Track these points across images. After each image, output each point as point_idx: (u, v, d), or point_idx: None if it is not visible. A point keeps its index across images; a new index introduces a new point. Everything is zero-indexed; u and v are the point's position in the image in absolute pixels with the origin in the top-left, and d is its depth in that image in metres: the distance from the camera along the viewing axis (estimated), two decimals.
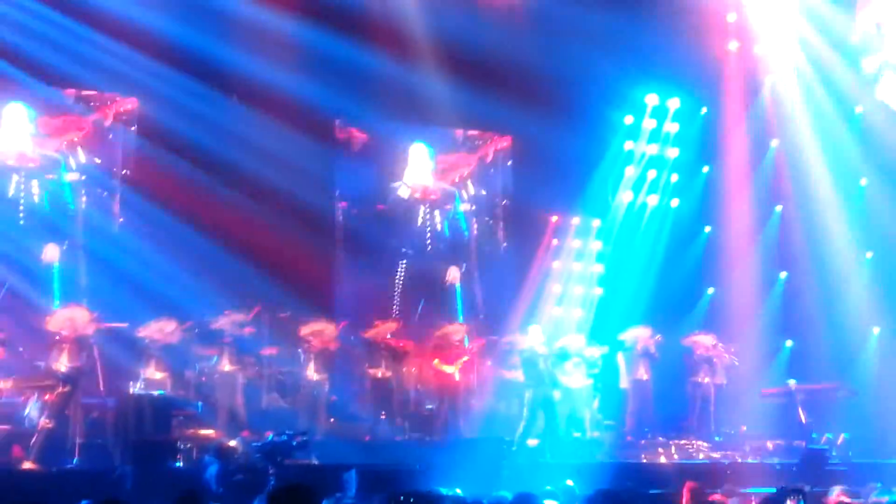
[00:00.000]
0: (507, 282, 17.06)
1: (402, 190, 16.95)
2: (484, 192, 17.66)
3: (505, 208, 17.70)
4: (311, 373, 13.64)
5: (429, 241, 17.03)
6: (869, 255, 17.05)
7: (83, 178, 15.27)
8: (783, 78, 17.74)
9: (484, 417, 14.20)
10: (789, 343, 16.84)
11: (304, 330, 13.86)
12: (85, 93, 15.38)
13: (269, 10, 15.34)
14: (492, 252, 17.50)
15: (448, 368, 14.17)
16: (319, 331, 13.85)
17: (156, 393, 12.62)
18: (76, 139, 15.28)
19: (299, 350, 13.85)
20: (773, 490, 9.30)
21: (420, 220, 17.04)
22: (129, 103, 15.59)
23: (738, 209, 17.30)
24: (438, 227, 17.20)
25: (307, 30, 15.56)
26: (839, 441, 14.45)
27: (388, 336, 14.20)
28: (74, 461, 11.80)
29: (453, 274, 16.61)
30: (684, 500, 9.26)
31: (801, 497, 8.10)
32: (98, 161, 15.44)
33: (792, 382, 15.23)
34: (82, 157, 15.34)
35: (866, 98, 17.73)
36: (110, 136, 15.54)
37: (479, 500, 8.40)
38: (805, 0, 17.43)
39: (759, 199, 17.42)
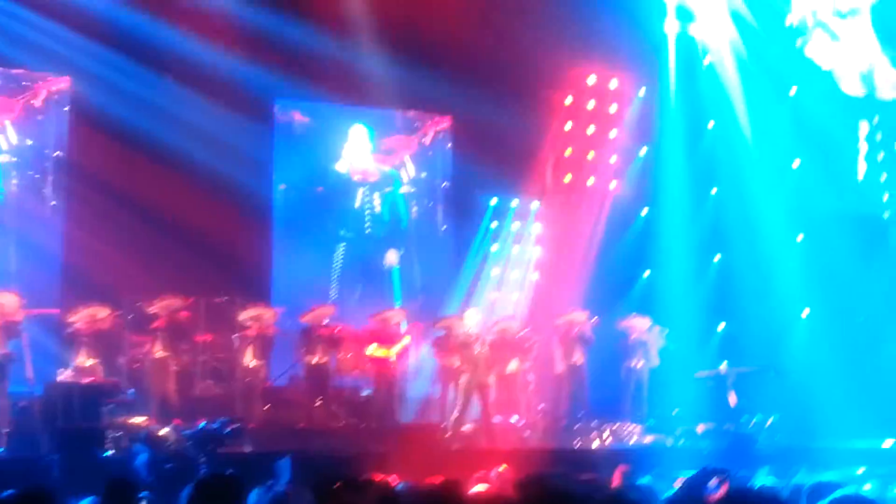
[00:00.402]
0: (446, 265, 17.10)
1: (343, 173, 16.87)
2: (423, 175, 17.64)
3: (444, 190, 17.70)
4: (248, 359, 13.57)
5: (367, 224, 17.00)
6: (800, 237, 17.32)
7: (14, 160, 15.00)
8: (720, 59, 17.89)
9: (420, 403, 14.24)
10: (722, 326, 17.10)
11: (243, 315, 13.76)
12: (14, 71, 15.08)
13: None
14: (431, 235, 17.50)
15: (385, 353, 14.16)
16: (258, 316, 13.75)
17: (85, 380, 12.49)
18: (7, 120, 14.99)
19: (235, 336, 13.74)
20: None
21: (359, 203, 16.98)
22: (62, 82, 15.29)
23: (674, 192, 17.46)
24: (377, 209, 17.16)
25: (244, 8, 15.36)
26: (767, 423, 14.71)
27: (325, 321, 14.14)
28: (1, 449, 11.67)
29: (391, 257, 16.61)
30: (615, 483, 9.39)
31: (724, 477, 8.19)
32: (30, 142, 15.16)
33: (723, 365, 15.47)
34: (13, 137, 15.06)
35: (800, 80, 17.98)
36: (42, 116, 15.25)
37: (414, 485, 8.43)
38: None
39: (694, 182, 17.57)
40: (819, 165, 17.80)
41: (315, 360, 13.77)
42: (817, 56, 18.17)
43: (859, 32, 18.66)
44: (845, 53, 18.49)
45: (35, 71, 15.15)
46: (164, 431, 12.01)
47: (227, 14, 15.36)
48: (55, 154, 15.22)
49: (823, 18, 18.30)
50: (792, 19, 18.19)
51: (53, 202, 15.03)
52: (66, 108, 15.29)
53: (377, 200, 17.08)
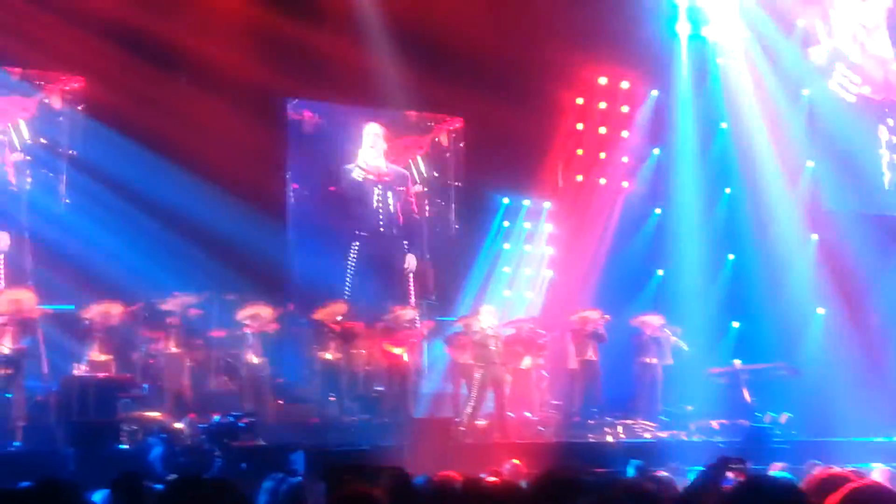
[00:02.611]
0: (459, 264, 17.11)
1: (356, 172, 16.92)
2: (436, 174, 17.67)
3: (457, 190, 17.73)
4: (252, 356, 13.58)
5: (381, 223, 17.02)
6: (814, 237, 17.29)
7: (28, 158, 15.08)
8: (733, 61, 17.91)
9: (433, 398, 14.23)
10: (736, 324, 17.06)
11: (241, 313, 13.78)
12: (29, 71, 15.18)
13: None
14: (444, 234, 17.53)
15: (397, 350, 14.17)
16: (255, 314, 13.75)
17: (100, 375, 12.53)
18: (21, 119, 15.09)
19: (241, 333, 13.77)
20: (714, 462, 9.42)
21: (374, 202, 17.03)
22: (76, 82, 15.38)
23: (687, 192, 17.46)
24: (391, 208, 17.20)
25: (257, 9, 15.44)
26: (782, 420, 14.66)
27: (338, 318, 14.16)
28: (16, 443, 11.71)
29: (410, 262, 16.67)
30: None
31: (741, 467, 8.15)
32: (43, 141, 15.23)
33: (737, 362, 15.43)
34: (28, 136, 15.15)
35: (813, 82, 17.98)
36: (56, 115, 15.33)
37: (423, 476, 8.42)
38: None
39: (708, 182, 17.57)
40: (834, 166, 17.79)
41: (328, 355, 13.77)
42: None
43: (873, 34, 18.66)
44: (857, 54, 18.49)
45: (49, 71, 15.25)
46: (178, 425, 12.06)
47: (240, 15, 15.43)
48: (69, 153, 15.29)
49: (834, 21, 18.27)
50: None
51: (67, 200, 15.09)
52: (80, 108, 15.37)
53: (391, 199, 17.11)
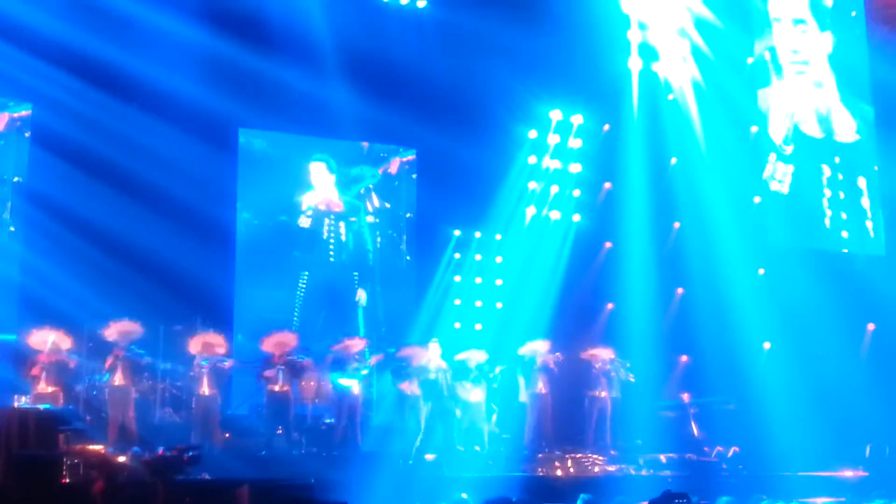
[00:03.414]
0: (409, 295, 17.09)
1: (303, 220, 16.86)
2: (388, 205, 17.69)
3: (409, 221, 17.73)
4: (204, 388, 13.40)
5: (331, 253, 16.96)
6: (761, 271, 17.50)
7: None
8: (682, 95, 18.16)
9: (382, 431, 14.14)
10: (684, 358, 17.18)
11: (191, 343, 13.61)
12: None
13: (171, 15, 15.12)
14: (395, 265, 17.50)
15: (347, 382, 14.06)
16: (205, 344, 13.59)
17: (41, 407, 12.26)
18: None
19: (192, 364, 13.58)
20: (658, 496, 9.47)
21: (325, 232, 16.96)
22: (23, 110, 15.20)
23: (637, 226, 17.60)
24: (343, 238, 17.14)
25: (209, 36, 15.37)
26: (729, 454, 14.76)
27: (287, 349, 14.02)
28: None
29: (362, 297, 16.63)
30: None
31: (685, 502, 8.20)
32: None
33: (685, 396, 15.53)
34: None
35: (760, 118, 18.29)
36: (2, 142, 15.12)
37: None
38: (700, 19, 17.92)
39: (657, 216, 17.74)
40: (780, 202, 18.07)
41: (276, 387, 13.63)
42: (773, 99, 18.52)
43: (817, 77, 19.06)
44: (803, 96, 18.88)
45: None
46: (121, 459, 11.83)
47: (191, 42, 15.35)
48: (14, 179, 15.07)
49: (782, 62, 18.68)
50: (752, 59, 18.56)
51: (12, 228, 14.85)
52: (27, 135, 15.16)
53: (342, 229, 17.06)
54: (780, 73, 18.73)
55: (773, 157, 18.15)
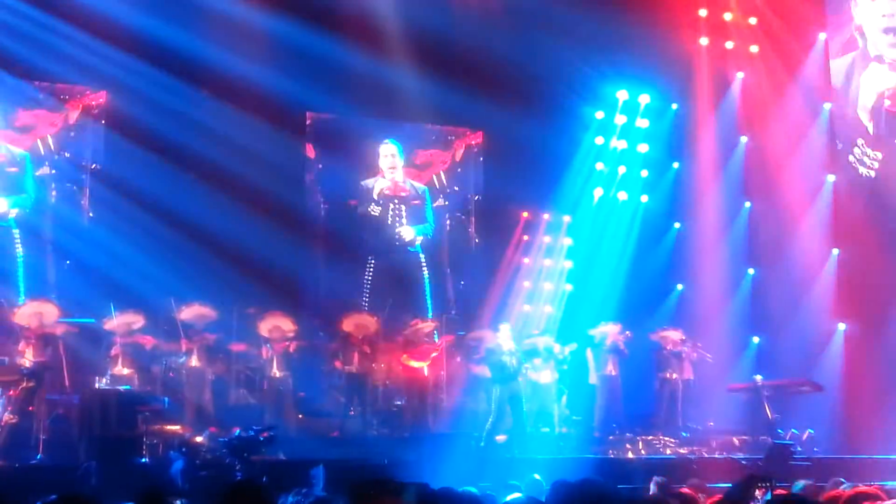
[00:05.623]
0: (478, 278, 17.10)
1: (373, 179, 16.94)
2: (456, 188, 17.70)
3: (477, 204, 17.73)
4: (274, 370, 13.60)
5: (397, 238, 17.00)
6: (835, 251, 17.17)
7: (53, 171, 15.18)
8: (752, 74, 17.85)
9: (453, 413, 14.22)
10: (756, 339, 16.96)
11: (262, 326, 13.82)
12: (56, 86, 15.29)
13: (242, 2, 15.28)
14: (463, 248, 17.52)
15: (417, 364, 14.16)
16: (276, 326, 13.82)
17: (121, 388, 12.57)
18: (48, 134, 15.21)
19: (263, 346, 13.79)
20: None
21: (390, 217, 17.03)
22: (99, 97, 15.52)
23: (707, 205, 17.39)
24: (407, 222, 17.18)
25: (280, 23, 15.49)
26: (804, 437, 14.57)
27: (366, 331, 14.17)
28: (38, 457, 11.75)
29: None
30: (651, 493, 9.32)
31: (768, 486, 8.08)
32: (67, 155, 15.35)
33: (758, 378, 15.34)
34: (52, 150, 15.25)
35: (833, 96, 17.88)
36: (80, 129, 15.44)
37: (450, 488, 8.40)
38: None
39: (727, 196, 17.50)
40: (853, 180, 17.66)
41: (350, 369, 13.77)
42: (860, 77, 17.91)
43: None
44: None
45: (74, 85, 15.35)
46: (199, 439, 12.08)
47: (262, 28, 15.51)
48: (92, 166, 15.39)
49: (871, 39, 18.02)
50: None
51: (91, 213, 15.18)
52: (103, 122, 15.47)
53: (406, 213, 17.10)
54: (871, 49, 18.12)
55: (858, 139, 17.62)
